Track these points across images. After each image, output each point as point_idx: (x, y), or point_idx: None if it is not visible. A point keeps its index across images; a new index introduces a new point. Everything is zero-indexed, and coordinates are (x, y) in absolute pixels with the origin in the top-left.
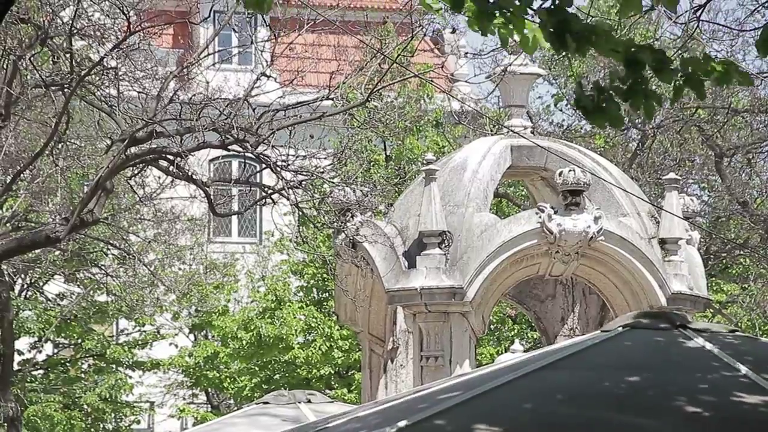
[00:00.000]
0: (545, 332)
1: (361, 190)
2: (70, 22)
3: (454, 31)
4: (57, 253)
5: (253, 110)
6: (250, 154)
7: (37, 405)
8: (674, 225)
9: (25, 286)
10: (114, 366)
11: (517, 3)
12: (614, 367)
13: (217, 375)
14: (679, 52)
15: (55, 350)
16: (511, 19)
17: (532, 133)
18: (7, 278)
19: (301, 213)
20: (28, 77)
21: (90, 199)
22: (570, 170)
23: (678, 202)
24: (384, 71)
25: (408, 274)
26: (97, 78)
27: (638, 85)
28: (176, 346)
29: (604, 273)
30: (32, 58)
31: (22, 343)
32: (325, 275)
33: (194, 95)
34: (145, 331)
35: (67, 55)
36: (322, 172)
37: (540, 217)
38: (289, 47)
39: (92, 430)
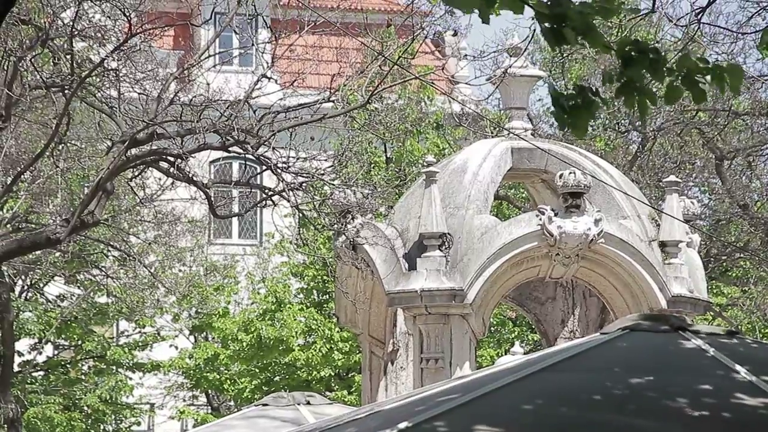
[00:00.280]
0: (545, 334)
1: (362, 192)
2: (71, 23)
3: (455, 33)
4: (57, 254)
5: (254, 112)
6: (250, 156)
7: (38, 406)
8: (674, 228)
9: (26, 287)
10: (114, 367)
11: None
12: (614, 370)
13: (218, 377)
14: (680, 54)
15: (56, 352)
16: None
17: (533, 135)
18: (7, 279)
19: (301, 215)
20: (29, 78)
21: (90, 200)
22: (570, 172)
23: (678, 205)
24: (385, 73)
25: (408, 276)
26: (98, 79)
27: (632, 83)
28: (176, 347)
29: (604, 275)
30: (33, 60)
31: (23, 345)
32: (325, 277)
33: (195, 97)
34: (145, 333)
35: (68, 57)
36: (323, 174)
37: (540, 219)
38: (290, 49)
39: (92, 431)
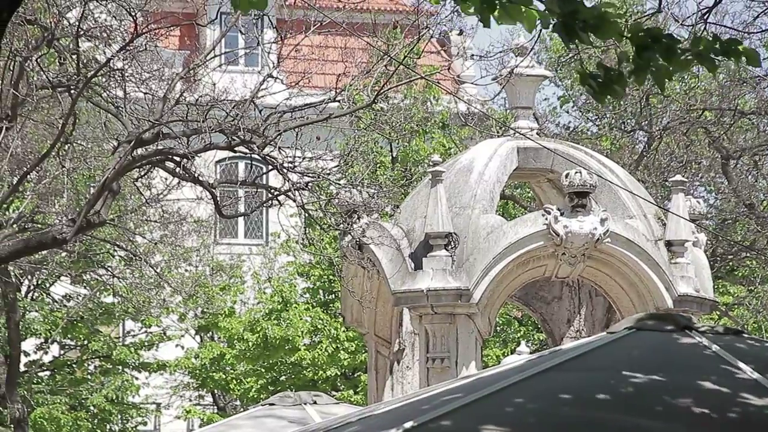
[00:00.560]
0: (551, 334)
1: (368, 192)
2: (77, 23)
3: (461, 33)
4: (63, 254)
5: (260, 112)
6: (256, 156)
7: (44, 406)
8: (681, 227)
9: (32, 287)
10: (120, 367)
11: None
12: (620, 369)
13: (224, 376)
14: (693, 36)
15: (62, 351)
16: (510, 7)
17: (539, 135)
18: (13, 279)
19: (307, 214)
20: (35, 78)
21: (96, 200)
22: (576, 172)
23: (684, 204)
24: (390, 73)
25: (414, 275)
26: (104, 79)
27: (645, 63)
28: (182, 347)
29: (610, 275)
30: (39, 60)
31: (29, 345)
32: (331, 277)
33: (201, 97)
34: (151, 333)
35: (74, 57)
36: (329, 174)
37: (546, 218)
38: (296, 49)
39: (98, 431)
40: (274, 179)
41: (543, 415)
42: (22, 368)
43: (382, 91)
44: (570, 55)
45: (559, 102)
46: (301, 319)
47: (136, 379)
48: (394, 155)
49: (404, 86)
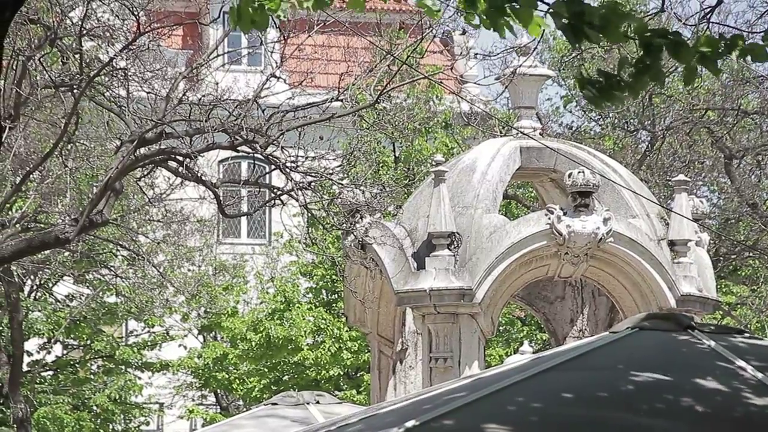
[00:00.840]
0: (554, 334)
1: (370, 192)
2: (80, 22)
3: (464, 32)
4: (66, 254)
5: (263, 111)
6: (259, 155)
7: (47, 406)
8: (683, 227)
9: (35, 287)
10: (123, 367)
11: None
12: (623, 369)
13: (226, 376)
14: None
15: (65, 351)
16: (520, 11)
17: (542, 134)
18: (16, 279)
19: (310, 214)
20: (38, 78)
21: (99, 200)
22: (579, 172)
23: (687, 204)
24: (393, 73)
25: (417, 275)
26: (107, 79)
27: (646, 69)
28: (185, 347)
29: (613, 274)
30: (41, 59)
31: (32, 345)
32: (334, 276)
33: (204, 96)
34: (154, 333)
35: (77, 56)
36: (331, 174)
37: (549, 218)
38: (299, 48)
39: (101, 431)
40: (277, 179)
41: (545, 414)
42: (25, 368)
43: (385, 90)
44: (573, 54)
45: (562, 102)
46: (303, 318)
47: (139, 378)
48: (396, 155)
49: (407, 86)
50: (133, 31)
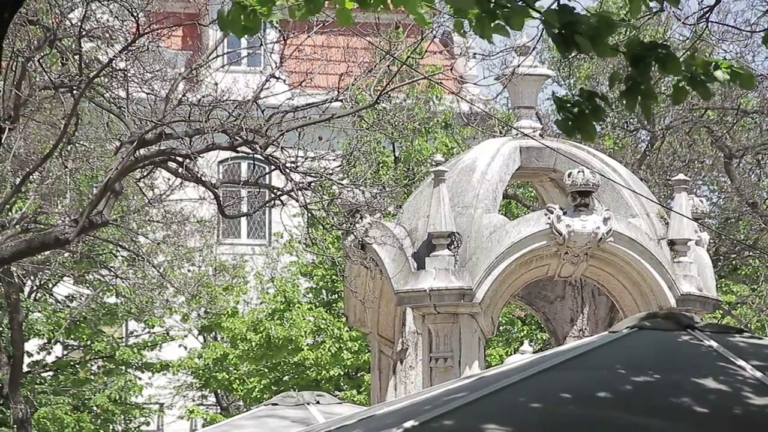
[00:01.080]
0: (554, 333)
1: (370, 192)
2: (79, 23)
3: (464, 33)
4: (66, 254)
5: (262, 112)
6: (259, 156)
7: (47, 407)
8: (683, 226)
9: (35, 287)
10: (123, 368)
11: (520, 2)
12: (623, 368)
13: (227, 376)
14: (688, 53)
15: (65, 352)
16: (510, 15)
17: (542, 134)
18: (16, 280)
19: (310, 214)
20: (37, 79)
21: (99, 200)
22: (579, 171)
23: (687, 203)
24: (393, 73)
25: (417, 275)
26: (106, 80)
27: (637, 86)
28: (185, 347)
29: (613, 274)
30: (41, 60)
31: (32, 345)
32: (334, 277)
33: (203, 97)
34: (154, 333)
35: (76, 57)
36: (331, 174)
37: (549, 218)
38: (299, 49)
39: (101, 431)
40: (277, 179)
41: (545, 414)
42: (25, 369)
43: (384, 90)
44: (573, 54)
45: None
46: (304, 319)
47: (139, 379)
48: (396, 155)
49: (407, 86)
50: (132, 32)
